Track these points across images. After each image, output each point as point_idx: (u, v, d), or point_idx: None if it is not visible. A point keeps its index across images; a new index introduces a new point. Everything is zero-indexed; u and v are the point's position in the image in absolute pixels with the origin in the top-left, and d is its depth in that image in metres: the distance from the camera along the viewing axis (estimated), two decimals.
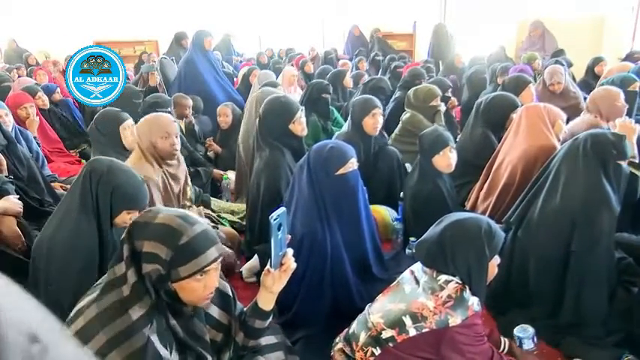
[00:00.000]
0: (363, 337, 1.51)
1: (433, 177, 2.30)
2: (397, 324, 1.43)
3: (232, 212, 2.96)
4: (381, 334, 1.46)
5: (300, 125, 2.42)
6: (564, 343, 1.83)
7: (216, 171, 3.41)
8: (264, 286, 1.31)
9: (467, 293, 1.40)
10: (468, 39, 8.23)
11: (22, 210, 2.11)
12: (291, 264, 1.30)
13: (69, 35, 7.87)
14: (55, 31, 8.33)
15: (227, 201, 3.20)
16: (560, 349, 1.83)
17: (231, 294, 1.36)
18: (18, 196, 2.17)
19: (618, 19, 7.09)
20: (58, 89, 4.64)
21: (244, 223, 2.71)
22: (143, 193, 1.63)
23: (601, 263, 1.80)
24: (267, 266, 1.29)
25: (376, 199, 2.80)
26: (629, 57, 5.51)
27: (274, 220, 1.22)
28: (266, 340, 1.46)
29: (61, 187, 2.99)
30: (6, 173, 2.36)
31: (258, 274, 2.35)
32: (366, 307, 1.60)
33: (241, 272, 2.37)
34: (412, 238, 2.32)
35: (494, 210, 2.53)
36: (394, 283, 1.60)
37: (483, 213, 2.57)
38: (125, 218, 1.62)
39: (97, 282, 1.18)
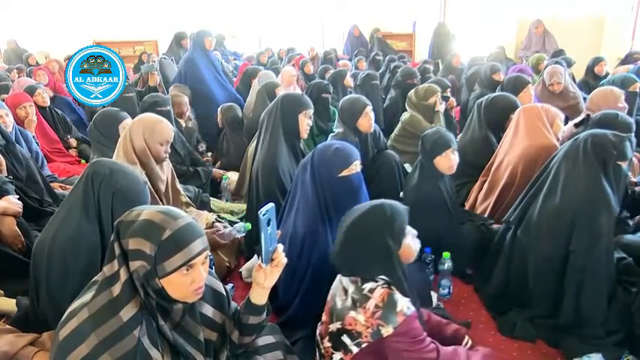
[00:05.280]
0: None
1: (434, 178, 2.30)
2: (340, 345, 1.40)
3: (232, 212, 2.96)
4: (332, 358, 1.44)
5: (306, 120, 2.49)
6: (564, 342, 1.83)
7: (215, 171, 3.41)
8: (256, 282, 1.31)
9: (395, 297, 1.35)
10: (468, 39, 8.23)
11: (21, 210, 2.11)
12: (282, 259, 1.29)
13: (69, 35, 7.86)
14: (55, 31, 8.33)
15: (227, 201, 3.20)
16: (560, 349, 1.83)
17: (224, 293, 1.35)
18: (18, 197, 2.17)
19: (618, 19, 7.09)
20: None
21: None
22: (145, 196, 1.64)
23: (600, 263, 1.79)
24: (258, 262, 1.28)
25: (376, 199, 2.80)
26: (628, 57, 5.52)
27: (263, 215, 1.21)
28: (264, 339, 1.46)
29: (61, 187, 2.99)
30: (5, 173, 2.36)
31: None
32: (318, 328, 1.57)
33: (241, 272, 2.37)
34: None
35: (494, 210, 2.53)
36: (329, 297, 1.54)
37: (483, 213, 2.57)
38: None
39: (89, 283, 1.18)
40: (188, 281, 1.10)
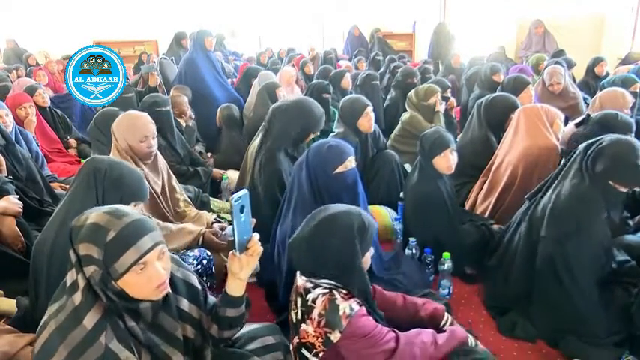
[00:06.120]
0: None
1: (433, 178, 2.30)
2: (303, 359, 1.40)
3: (231, 212, 2.95)
4: None
5: (313, 136, 2.53)
6: (563, 342, 1.83)
7: (215, 171, 3.41)
8: (231, 273, 1.26)
9: (337, 301, 1.33)
10: (468, 39, 8.24)
11: (22, 210, 2.11)
12: (257, 248, 1.25)
13: (69, 35, 7.88)
14: (55, 31, 8.34)
15: (227, 201, 3.19)
16: (560, 349, 1.83)
17: (199, 286, 1.32)
18: (18, 197, 2.17)
19: (618, 19, 7.10)
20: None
21: None
22: (145, 185, 1.67)
23: (579, 256, 1.77)
24: (232, 250, 1.24)
25: (376, 200, 2.80)
26: (628, 58, 5.53)
27: (235, 201, 1.17)
28: (264, 340, 1.45)
29: (61, 187, 2.99)
30: (5, 174, 2.36)
31: (257, 274, 2.36)
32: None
33: None
34: (412, 239, 2.32)
35: (494, 210, 2.53)
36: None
37: (483, 213, 2.57)
38: None
39: (61, 284, 1.16)
40: (145, 279, 1.07)
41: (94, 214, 1.09)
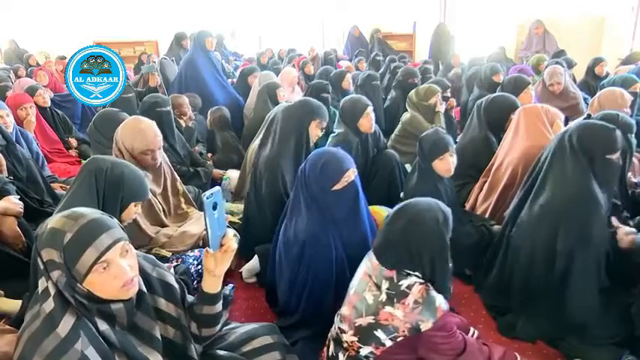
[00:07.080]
0: (342, 358, 1.49)
1: (432, 179, 2.29)
2: (372, 339, 1.42)
3: (231, 213, 2.95)
4: (359, 352, 1.44)
5: (317, 130, 2.50)
6: (564, 343, 1.83)
7: (216, 171, 3.41)
8: (206, 270, 1.26)
9: (432, 292, 1.39)
10: (468, 40, 8.24)
11: (22, 210, 2.11)
12: (231, 244, 1.24)
13: (69, 35, 7.89)
14: (55, 31, 8.35)
15: (227, 201, 3.19)
16: (560, 349, 1.83)
17: (175, 284, 1.31)
18: (18, 197, 2.17)
19: (618, 20, 7.10)
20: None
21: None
22: (146, 184, 1.67)
23: (588, 267, 1.77)
24: (207, 247, 1.24)
25: (376, 200, 2.80)
26: (628, 59, 5.53)
27: (207, 198, 1.17)
28: (262, 340, 1.45)
29: (61, 187, 3.00)
30: (6, 174, 2.36)
31: (258, 274, 2.36)
32: (336, 322, 1.56)
33: (241, 272, 2.38)
34: None
35: (494, 211, 2.53)
36: (351, 292, 1.53)
37: (483, 213, 2.57)
38: (132, 211, 1.65)
39: (32, 298, 1.15)
40: (109, 278, 1.06)
41: (53, 219, 1.09)
